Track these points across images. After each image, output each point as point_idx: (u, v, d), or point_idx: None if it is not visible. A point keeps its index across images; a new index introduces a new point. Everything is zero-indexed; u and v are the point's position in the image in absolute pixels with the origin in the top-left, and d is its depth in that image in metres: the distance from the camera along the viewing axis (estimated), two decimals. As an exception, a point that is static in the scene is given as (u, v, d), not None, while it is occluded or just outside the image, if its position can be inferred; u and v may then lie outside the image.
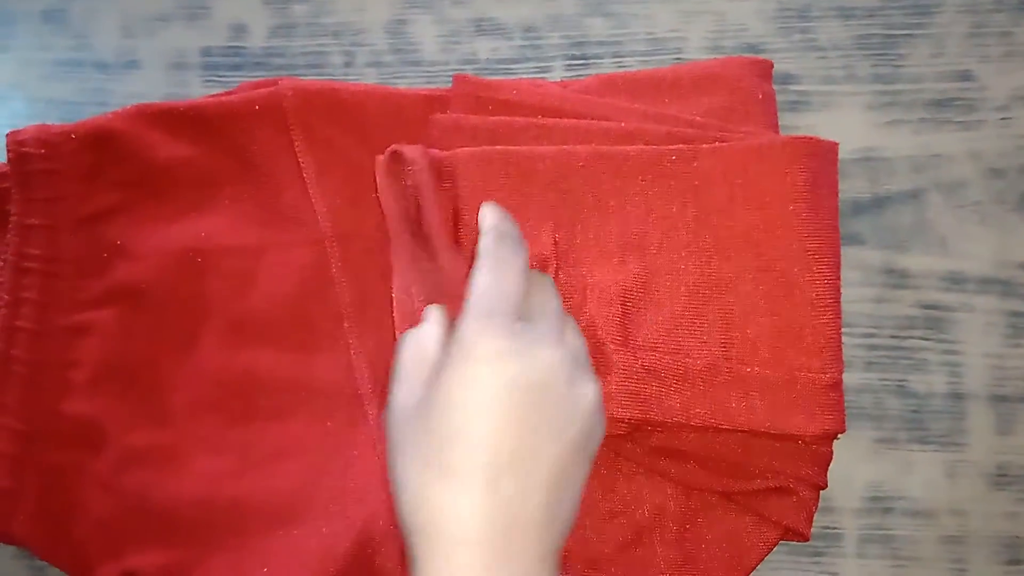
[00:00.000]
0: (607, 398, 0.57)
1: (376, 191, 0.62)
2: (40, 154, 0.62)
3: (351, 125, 0.63)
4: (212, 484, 0.62)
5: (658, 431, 0.59)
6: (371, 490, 0.61)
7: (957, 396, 0.64)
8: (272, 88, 0.63)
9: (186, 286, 0.63)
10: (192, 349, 0.63)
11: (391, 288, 0.62)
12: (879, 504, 0.63)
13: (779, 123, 0.64)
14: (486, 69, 0.68)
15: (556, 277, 0.59)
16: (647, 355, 0.58)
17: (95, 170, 0.62)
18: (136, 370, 0.62)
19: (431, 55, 0.69)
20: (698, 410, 0.58)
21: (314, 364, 0.63)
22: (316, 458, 0.62)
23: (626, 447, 0.60)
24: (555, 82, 0.66)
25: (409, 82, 0.68)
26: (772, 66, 0.65)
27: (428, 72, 0.68)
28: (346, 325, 0.63)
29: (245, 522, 0.61)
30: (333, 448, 0.62)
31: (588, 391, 0.50)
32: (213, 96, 0.65)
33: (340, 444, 0.62)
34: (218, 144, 0.64)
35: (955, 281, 0.64)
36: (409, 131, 0.63)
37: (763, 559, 0.61)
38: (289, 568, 0.60)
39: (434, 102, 0.63)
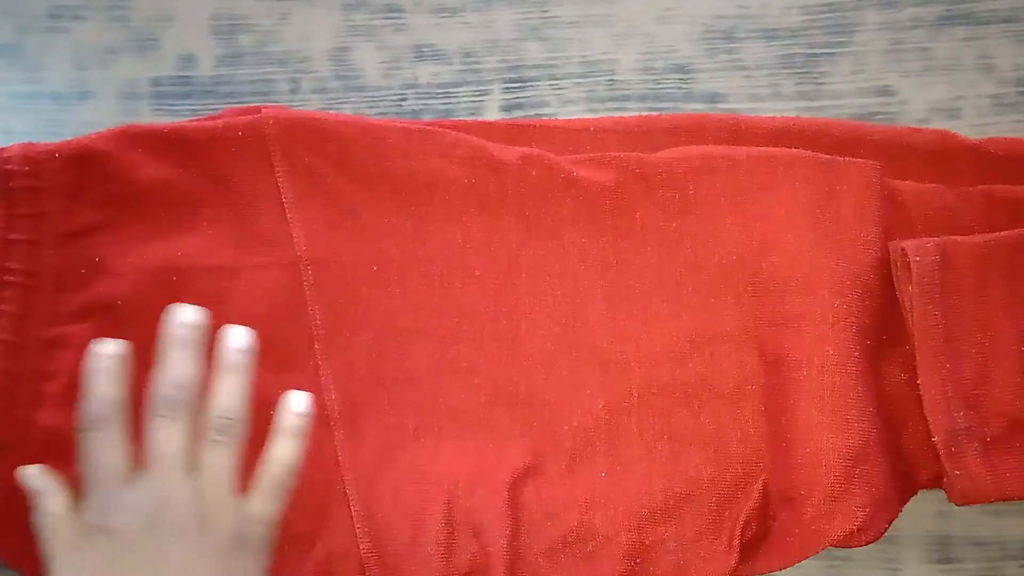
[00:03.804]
0: None
1: (355, 217, 0.65)
2: (24, 171, 0.62)
3: (331, 154, 0.65)
4: None
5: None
6: (332, 511, 0.63)
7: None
8: (256, 116, 0.65)
9: (161, 304, 0.62)
10: None
11: (363, 312, 0.65)
12: (812, 503, 0.65)
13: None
14: (427, 93, 0.70)
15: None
16: None
17: (77, 188, 0.63)
18: None
19: (374, 80, 0.71)
20: None
21: (283, 384, 0.63)
22: None
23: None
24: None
25: (353, 107, 0.70)
26: None
27: (371, 97, 0.70)
28: (316, 347, 0.64)
29: None
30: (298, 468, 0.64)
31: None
32: (197, 120, 0.66)
33: (305, 465, 0.62)
34: (199, 166, 0.64)
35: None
36: (387, 162, 0.65)
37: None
38: None
39: (413, 135, 0.65)
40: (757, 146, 0.65)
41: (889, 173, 0.64)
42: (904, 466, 0.62)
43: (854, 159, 0.63)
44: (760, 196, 0.64)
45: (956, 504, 0.60)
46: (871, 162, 0.63)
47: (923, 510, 0.66)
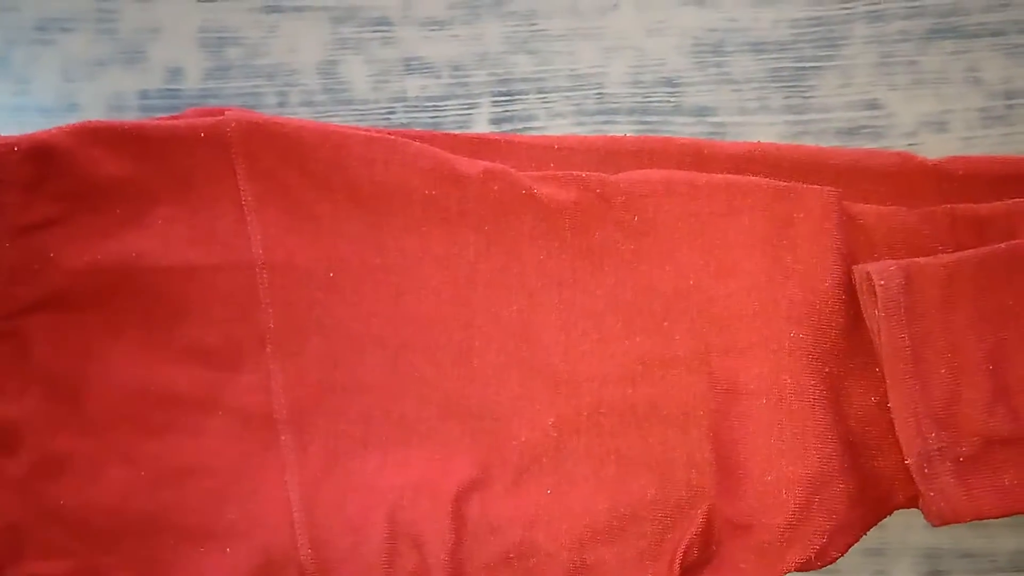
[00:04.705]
0: None
1: (314, 223, 0.65)
2: None
3: (293, 158, 0.64)
4: (125, 495, 0.63)
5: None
6: (274, 515, 0.63)
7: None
8: (218, 117, 0.65)
9: (115, 301, 0.64)
10: (116, 362, 0.64)
11: (317, 318, 0.65)
12: (796, 517, 0.65)
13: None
14: (416, 106, 0.71)
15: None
16: None
17: (35, 182, 0.62)
18: (59, 378, 0.63)
19: (362, 94, 0.71)
20: None
21: (234, 384, 0.65)
22: (225, 477, 0.64)
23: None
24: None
25: (341, 120, 0.70)
26: None
27: (360, 110, 0.71)
28: (268, 350, 0.65)
29: (155, 536, 0.63)
30: (243, 470, 0.64)
31: None
32: (159, 119, 0.66)
33: (250, 467, 0.64)
34: (159, 165, 0.64)
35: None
36: (349, 169, 0.64)
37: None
38: None
39: (375, 143, 0.65)
40: (720, 171, 0.65)
41: (851, 196, 0.64)
42: (874, 489, 0.62)
43: (812, 186, 0.63)
44: (718, 223, 0.64)
45: (933, 525, 0.60)
46: (829, 188, 0.62)
47: (912, 522, 0.66)
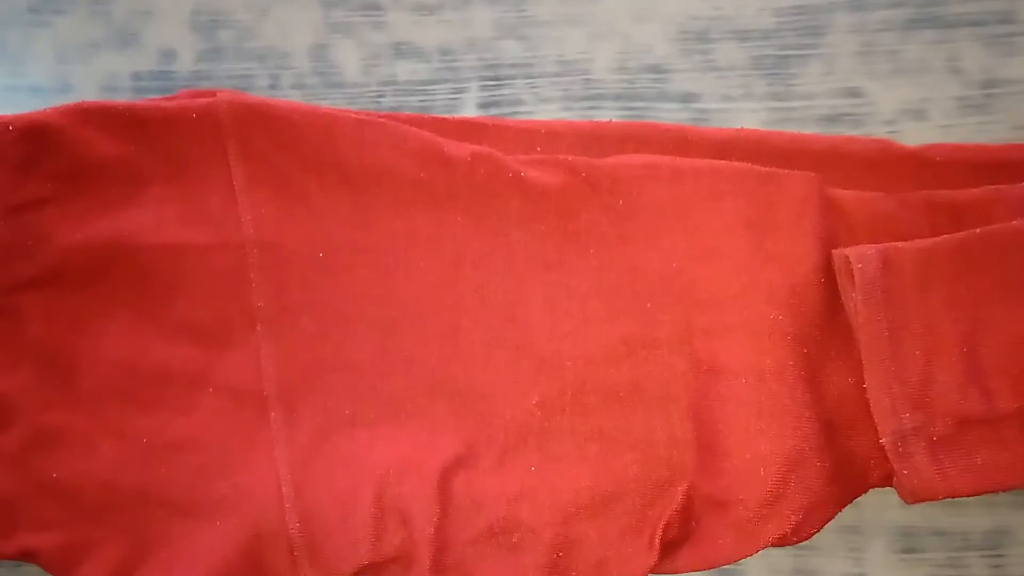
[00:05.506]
0: None
1: (304, 203, 0.66)
2: None
3: (284, 140, 0.65)
4: (117, 469, 0.64)
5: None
6: (263, 490, 0.64)
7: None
8: (210, 99, 0.65)
9: (107, 279, 0.64)
10: (108, 338, 0.65)
11: (307, 297, 0.65)
12: (773, 496, 0.66)
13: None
14: (405, 90, 0.71)
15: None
16: None
17: (29, 161, 0.63)
18: (53, 354, 0.64)
19: (353, 77, 0.72)
20: None
21: (224, 362, 0.65)
22: (216, 453, 0.64)
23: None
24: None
25: (332, 103, 0.71)
26: None
27: (350, 93, 0.71)
28: (259, 328, 0.65)
29: (146, 509, 0.64)
30: (233, 446, 0.65)
31: None
32: (152, 100, 0.66)
33: (240, 442, 0.65)
34: (151, 146, 0.65)
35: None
36: (339, 151, 0.65)
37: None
38: (183, 558, 0.63)
39: (365, 126, 0.65)
40: (704, 156, 0.66)
41: (831, 182, 0.65)
42: (850, 468, 0.63)
43: (793, 172, 0.64)
44: (702, 207, 0.65)
45: (907, 502, 0.61)
46: (810, 174, 0.63)
47: (887, 501, 0.67)
